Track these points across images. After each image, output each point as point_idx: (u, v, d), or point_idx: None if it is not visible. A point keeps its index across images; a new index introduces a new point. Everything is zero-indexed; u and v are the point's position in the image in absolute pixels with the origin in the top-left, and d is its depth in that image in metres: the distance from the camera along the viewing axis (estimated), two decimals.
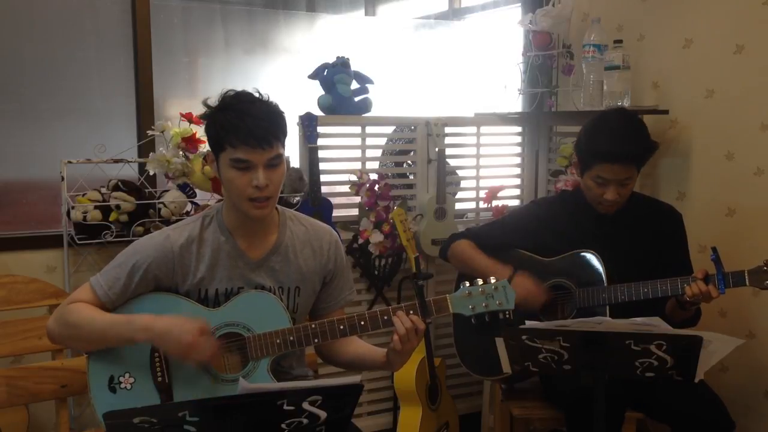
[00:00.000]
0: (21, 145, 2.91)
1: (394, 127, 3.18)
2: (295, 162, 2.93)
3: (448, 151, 3.19)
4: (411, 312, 1.82)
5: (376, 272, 3.08)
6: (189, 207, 2.78)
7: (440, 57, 3.74)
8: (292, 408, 1.40)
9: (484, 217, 3.35)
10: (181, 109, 2.84)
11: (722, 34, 2.72)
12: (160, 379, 1.81)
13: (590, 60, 2.92)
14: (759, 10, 2.60)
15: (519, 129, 3.45)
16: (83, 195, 2.72)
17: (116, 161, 2.83)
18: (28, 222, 2.92)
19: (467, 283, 1.85)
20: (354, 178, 3.02)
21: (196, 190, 2.79)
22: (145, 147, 2.92)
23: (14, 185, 2.95)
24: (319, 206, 2.84)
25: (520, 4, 3.64)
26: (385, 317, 1.82)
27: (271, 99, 1.83)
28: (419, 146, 3.16)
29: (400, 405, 2.96)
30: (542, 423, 2.58)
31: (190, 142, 2.73)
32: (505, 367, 1.99)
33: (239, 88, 1.85)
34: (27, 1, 2.89)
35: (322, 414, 1.43)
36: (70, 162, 2.74)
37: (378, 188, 3.01)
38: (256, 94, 1.82)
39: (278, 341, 1.82)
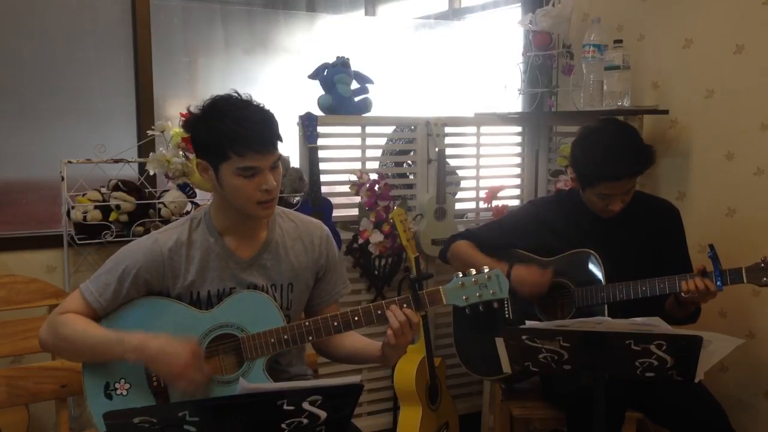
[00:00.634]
0: (21, 145, 2.91)
1: (394, 127, 3.18)
2: (295, 162, 2.93)
3: (448, 151, 3.19)
4: (404, 305, 1.81)
5: (376, 272, 3.08)
6: (189, 207, 2.78)
7: (440, 57, 3.74)
8: (292, 408, 1.40)
9: (484, 217, 3.35)
10: (181, 109, 2.85)
11: (722, 34, 2.72)
12: (155, 383, 1.81)
13: (590, 60, 2.92)
14: (759, 10, 2.60)
15: (519, 129, 3.45)
16: (83, 195, 2.72)
17: (116, 161, 2.83)
18: (28, 222, 2.91)
19: (460, 274, 1.84)
20: (354, 178, 3.02)
21: (196, 190, 2.79)
22: (145, 147, 2.92)
23: (14, 185, 2.95)
24: (319, 206, 2.85)
25: (520, 4, 3.64)
26: (379, 312, 1.82)
27: (253, 98, 1.80)
28: (419, 146, 3.16)
29: (400, 405, 2.96)
30: (542, 423, 2.58)
31: (190, 142, 2.72)
32: (505, 367, 1.99)
33: (221, 92, 1.80)
34: (27, 1, 2.89)
35: (322, 414, 1.43)
36: (70, 162, 2.74)
37: (378, 188, 3.01)
38: (237, 96, 1.78)
39: (272, 340, 1.81)
